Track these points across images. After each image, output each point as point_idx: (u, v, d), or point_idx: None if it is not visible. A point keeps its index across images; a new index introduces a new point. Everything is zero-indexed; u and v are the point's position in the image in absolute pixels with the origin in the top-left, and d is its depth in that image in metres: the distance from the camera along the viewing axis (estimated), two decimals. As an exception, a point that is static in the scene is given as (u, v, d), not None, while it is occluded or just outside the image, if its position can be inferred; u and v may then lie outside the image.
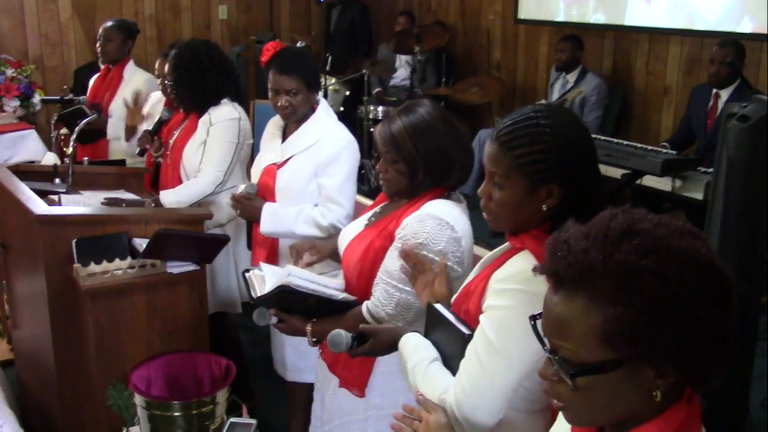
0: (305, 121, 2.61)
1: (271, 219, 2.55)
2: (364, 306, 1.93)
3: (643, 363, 0.93)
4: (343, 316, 1.95)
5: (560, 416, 1.16)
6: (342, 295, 1.98)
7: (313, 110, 2.62)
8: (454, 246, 1.83)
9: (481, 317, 1.45)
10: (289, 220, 2.54)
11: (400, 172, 1.90)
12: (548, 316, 0.99)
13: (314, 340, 1.97)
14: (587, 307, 0.93)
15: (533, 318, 1.05)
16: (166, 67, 3.08)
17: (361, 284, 1.98)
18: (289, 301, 1.94)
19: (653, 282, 0.90)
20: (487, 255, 1.62)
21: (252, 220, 2.65)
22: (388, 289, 1.88)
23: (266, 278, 2.01)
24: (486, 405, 1.41)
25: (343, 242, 2.11)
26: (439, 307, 1.59)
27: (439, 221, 1.83)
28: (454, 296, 1.65)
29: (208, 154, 2.94)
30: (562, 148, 1.42)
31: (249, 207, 2.59)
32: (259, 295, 1.98)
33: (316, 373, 2.28)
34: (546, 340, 1.00)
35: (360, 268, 1.97)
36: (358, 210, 2.48)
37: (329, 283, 2.03)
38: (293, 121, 2.63)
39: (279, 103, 2.56)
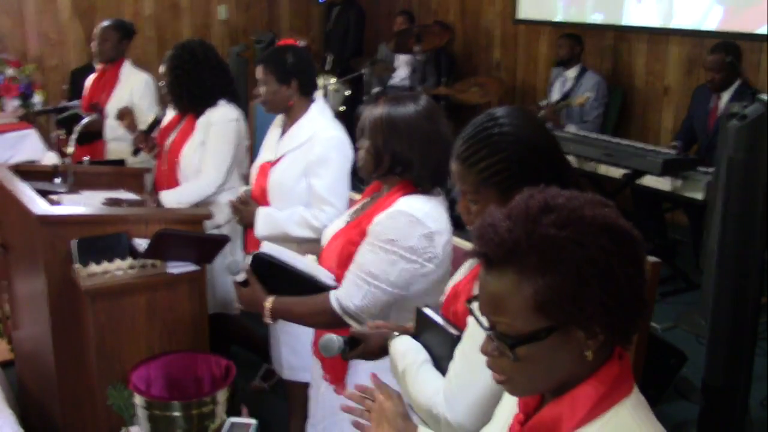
0: (300, 119, 2.62)
1: (265, 223, 2.57)
2: (332, 294, 1.91)
3: (573, 326, 0.99)
4: (308, 298, 1.93)
5: (505, 394, 1.22)
6: (330, 280, 1.96)
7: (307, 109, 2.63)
8: (425, 242, 1.85)
9: (469, 319, 1.45)
10: (282, 223, 2.55)
11: (368, 152, 1.95)
12: (484, 296, 1.05)
13: (270, 318, 1.95)
14: (518, 281, 0.99)
15: (469, 301, 1.11)
16: (163, 69, 3.05)
17: (340, 280, 1.98)
18: (267, 275, 1.94)
19: (574, 250, 0.97)
20: None
21: (249, 225, 2.65)
22: (358, 282, 1.88)
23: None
24: (471, 404, 1.40)
25: (324, 240, 2.13)
26: (427, 310, 1.60)
27: (410, 218, 1.84)
28: (443, 298, 1.65)
29: (208, 155, 2.94)
30: (522, 152, 1.44)
31: (245, 212, 2.62)
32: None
33: (311, 371, 2.27)
34: (484, 319, 1.06)
35: (338, 266, 1.97)
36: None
37: (320, 269, 2.01)
38: (269, 111, 2.68)
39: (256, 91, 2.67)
